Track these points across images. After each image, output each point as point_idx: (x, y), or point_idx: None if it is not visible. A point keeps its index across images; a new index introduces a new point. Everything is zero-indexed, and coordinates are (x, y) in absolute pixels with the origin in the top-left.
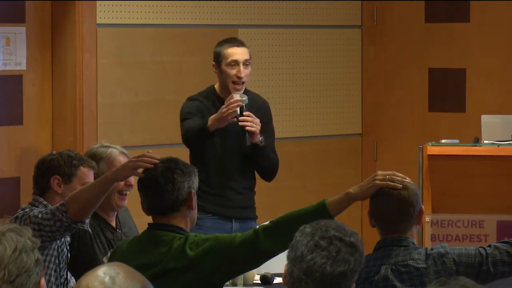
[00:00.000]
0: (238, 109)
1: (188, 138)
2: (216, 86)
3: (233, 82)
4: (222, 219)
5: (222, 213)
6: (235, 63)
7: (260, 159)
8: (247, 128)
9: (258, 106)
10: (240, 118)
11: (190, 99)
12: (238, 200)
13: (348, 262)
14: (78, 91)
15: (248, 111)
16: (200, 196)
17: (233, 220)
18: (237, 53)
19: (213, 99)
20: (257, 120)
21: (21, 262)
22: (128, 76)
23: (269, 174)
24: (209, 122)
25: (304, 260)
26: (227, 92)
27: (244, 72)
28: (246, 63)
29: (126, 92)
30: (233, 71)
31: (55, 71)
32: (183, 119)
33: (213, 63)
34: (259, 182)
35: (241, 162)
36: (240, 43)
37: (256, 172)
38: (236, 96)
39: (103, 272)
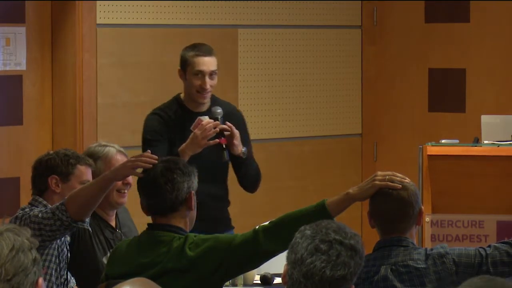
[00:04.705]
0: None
1: None
2: (182, 94)
3: (197, 91)
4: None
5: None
6: (201, 73)
7: (243, 171)
8: (224, 142)
9: (228, 115)
10: (220, 129)
11: (151, 113)
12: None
13: (348, 266)
14: (78, 91)
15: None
16: None
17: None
18: (203, 63)
19: (176, 108)
20: (237, 132)
21: (18, 261)
22: (128, 76)
23: (251, 185)
24: (181, 153)
25: (303, 264)
26: (192, 101)
27: (209, 83)
28: (212, 73)
29: (126, 92)
30: (198, 82)
31: (55, 71)
32: (145, 147)
33: (179, 68)
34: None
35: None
36: (207, 52)
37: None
38: (205, 119)
39: None
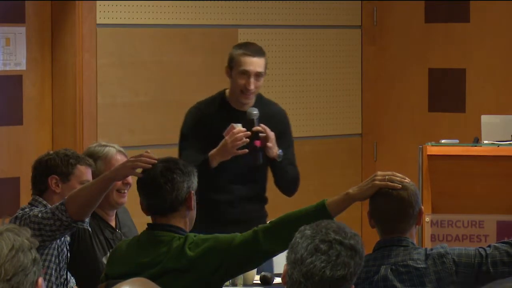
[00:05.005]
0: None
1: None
2: (228, 91)
3: (241, 91)
4: None
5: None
6: (246, 73)
7: (278, 174)
8: (259, 145)
9: (269, 118)
10: (256, 131)
11: (193, 107)
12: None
13: (348, 266)
14: (78, 91)
15: (259, 123)
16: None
17: None
18: (250, 63)
19: (219, 104)
20: (272, 134)
21: (17, 261)
22: (128, 76)
23: (287, 188)
24: (210, 158)
25: (303, 264)
26: (236, 100)
27: (254, 84)
28: (258, 75)
29: (126, 92)
30: (242, 82)
31: (55, 71)
32: (180, 147)
33: (226, 66)
34: None
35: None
36: (255, 52)
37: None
38: (237, 126)
39: None
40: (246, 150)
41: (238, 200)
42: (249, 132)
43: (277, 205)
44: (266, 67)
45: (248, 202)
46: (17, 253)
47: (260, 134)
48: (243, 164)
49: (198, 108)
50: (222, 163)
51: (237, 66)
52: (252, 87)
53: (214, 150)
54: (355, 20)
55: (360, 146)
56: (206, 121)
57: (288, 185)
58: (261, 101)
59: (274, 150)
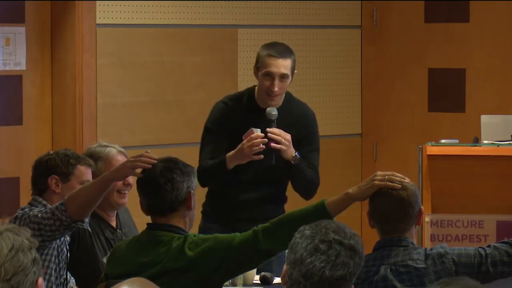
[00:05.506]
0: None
1: (204, 180)
2: (256, 89)
3: (266, 93)
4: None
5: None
6: (270, 75)
7: (293, 176)
8: (275, 146)
9: (295, 119)
10: (268, 133)
11: (220, 101)
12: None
13: (347, 266)
14: (78, 91)
15: (282, 124)
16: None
17: None
18: (274, 65)
19: (246, 101)
20: (287, 136)
21: (17, 261)
22: (128, 76)
23: (303, 192)
24: (228, 160)
25: (303, 264)
26: (262, 100)
27: (278, 86)
28: (284, 76)
29: (126, 92)
30: (267, 83)
31: (55, 71)
32: (203, 141)
33: (254, 65)
34: None
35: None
36: (280, 53)
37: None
38: (257, 131)
39: None
40: (262, 156)
41: (258, 199)
42: (266, 140)
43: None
44: (294, 67)
45: (267, 202)
46: (17, 253)
47: (272, 136)
48: (257, 164)
49: (226, 103)
50: (245, 165)
51: (262, 67)
52: (276, 89)
53: (232, 152)
54: (355, 20)
55: (360, 146)
56: (232, 117)
57: (304, 188)
58: (290, 101)
59: (289, 152)
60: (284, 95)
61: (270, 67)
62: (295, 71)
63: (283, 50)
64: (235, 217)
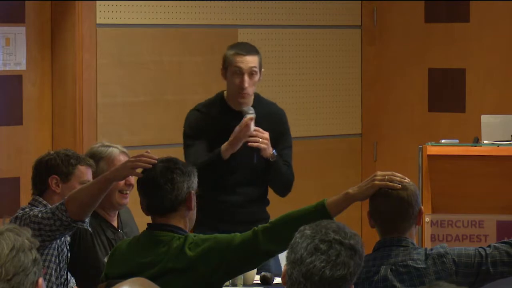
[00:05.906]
0: (252, 123)
1: (202, 174)
2: (226, 92)
3: (237, 91)
4: None
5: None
6: (239, 71)
7: (270, 174)
8: (252, 144)
9: (269, 117)
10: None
11: (192, 109)
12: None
13: (347, 266)
14: (78, 91)
15: (257, 123)
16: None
17: None
18: (242, 61)
19: (219, 105)
20: (266, 135)
21: (18, 261)
22: (128, 76)
23: (280, 189)
24: (223, 150)
25: (303, 263)
26: (234, 100)
27: (248, 82)
28: (252, 72)
29: (126, 92)
30: (236, 80)
31: (55, 71)
32: (185, 145)
33: (221, 67)
34: None
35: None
36: (247, 51)
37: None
38: (250, 116)
39: None
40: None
41: (243, 202)
42: (252, 117)
43: (277, 206)
44: (261, 65)
45: (251, 204)
46: (17, 253)
47: (251, 138)
48: (240, 165)
49: (199, 110)
50: (228, 166)
51: (231, 66)
52: (246, 85)
53: (226, 143)
54: (355, 20)
55: (360, 146)
56: (207, 122)
57: (281, 186)
58: (259, 101)
59: (268, 150)
60: (253, 96)
61: (238, 63)
62: (263, 69)
63: (249, 48)
64: (219, 220)
